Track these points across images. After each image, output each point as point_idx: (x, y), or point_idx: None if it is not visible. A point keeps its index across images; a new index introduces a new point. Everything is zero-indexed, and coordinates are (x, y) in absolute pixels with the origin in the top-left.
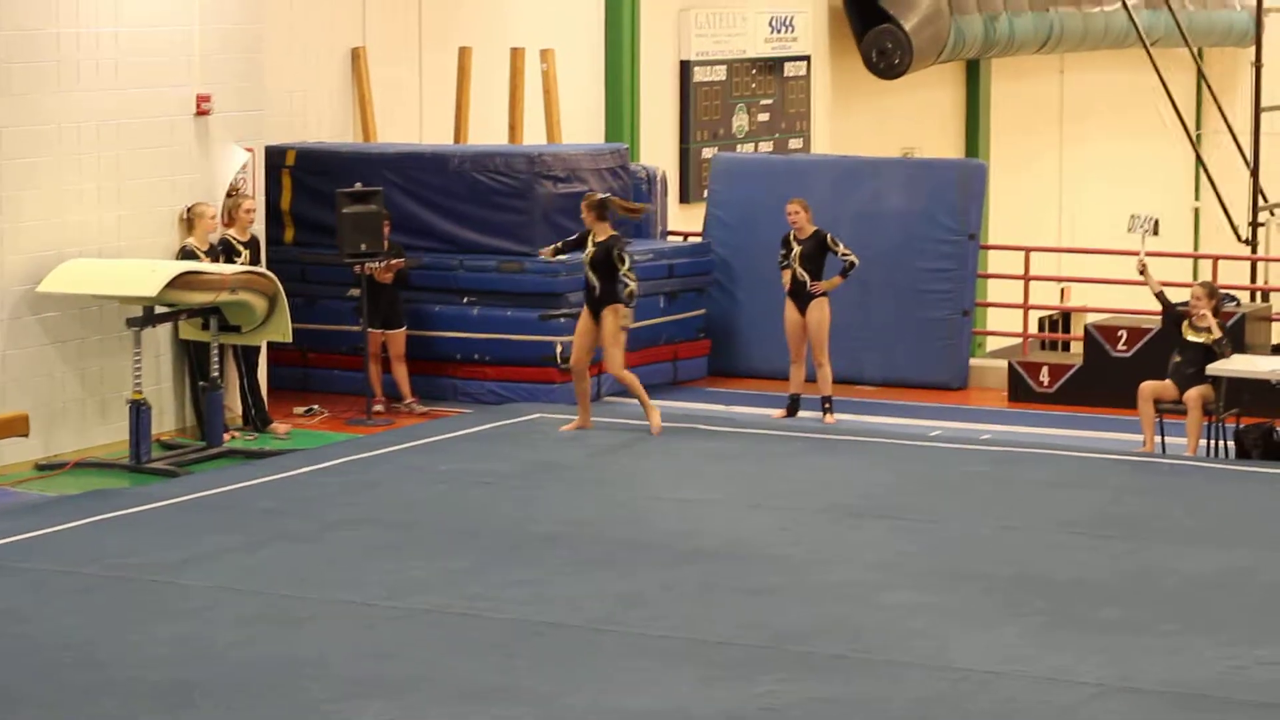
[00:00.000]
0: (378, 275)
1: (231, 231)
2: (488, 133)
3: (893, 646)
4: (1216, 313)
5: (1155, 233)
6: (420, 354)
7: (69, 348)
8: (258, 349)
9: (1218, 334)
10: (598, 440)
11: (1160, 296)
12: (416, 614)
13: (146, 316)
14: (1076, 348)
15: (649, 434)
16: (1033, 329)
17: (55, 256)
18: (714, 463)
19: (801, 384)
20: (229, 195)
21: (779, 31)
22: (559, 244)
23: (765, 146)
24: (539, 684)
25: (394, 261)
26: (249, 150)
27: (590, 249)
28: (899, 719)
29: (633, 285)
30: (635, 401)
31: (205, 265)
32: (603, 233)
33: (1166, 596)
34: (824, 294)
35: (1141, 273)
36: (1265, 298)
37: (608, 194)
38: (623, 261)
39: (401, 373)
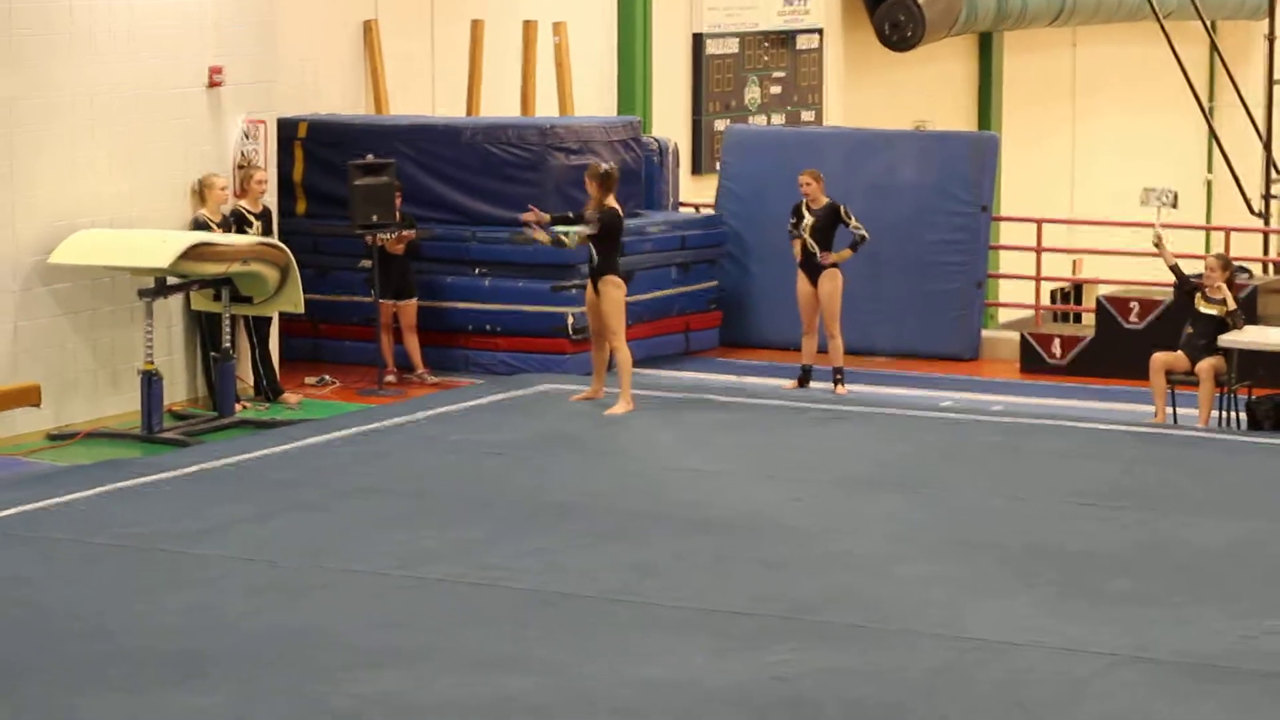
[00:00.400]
0: (389, 246)
1: (243, 203)
2: (500, 105)
3: (906, 617)
4: (1230, 285)
5: (1174, 205)
6: (432, 325)
7: (81, 318)
8: (269, 320)
9: (1232, 306)
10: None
11: (1175, 269)
12: (428, 584)
13: (158, 287)
14: (1088, 319)
15: (661, 405)
16: (1045, 301)
17: (67, 227)
18: (726, 434)
19: (813, 355)
20: (240, 167)
21: (791, 4)
22: (560, 215)
23: (777, 119)
24: (552, 654)
25: (405, 233)
26: (259, 122)
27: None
28: (912, 688)
29: (572, 234)
30: (651, 371)
31: (217, 236)
32: (606, 204)
33: (1178, 567)
34: (834, 265)
35: (1157, 245)
36: (1278, 269)
37: (611, 165)
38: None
39: (413, 343)
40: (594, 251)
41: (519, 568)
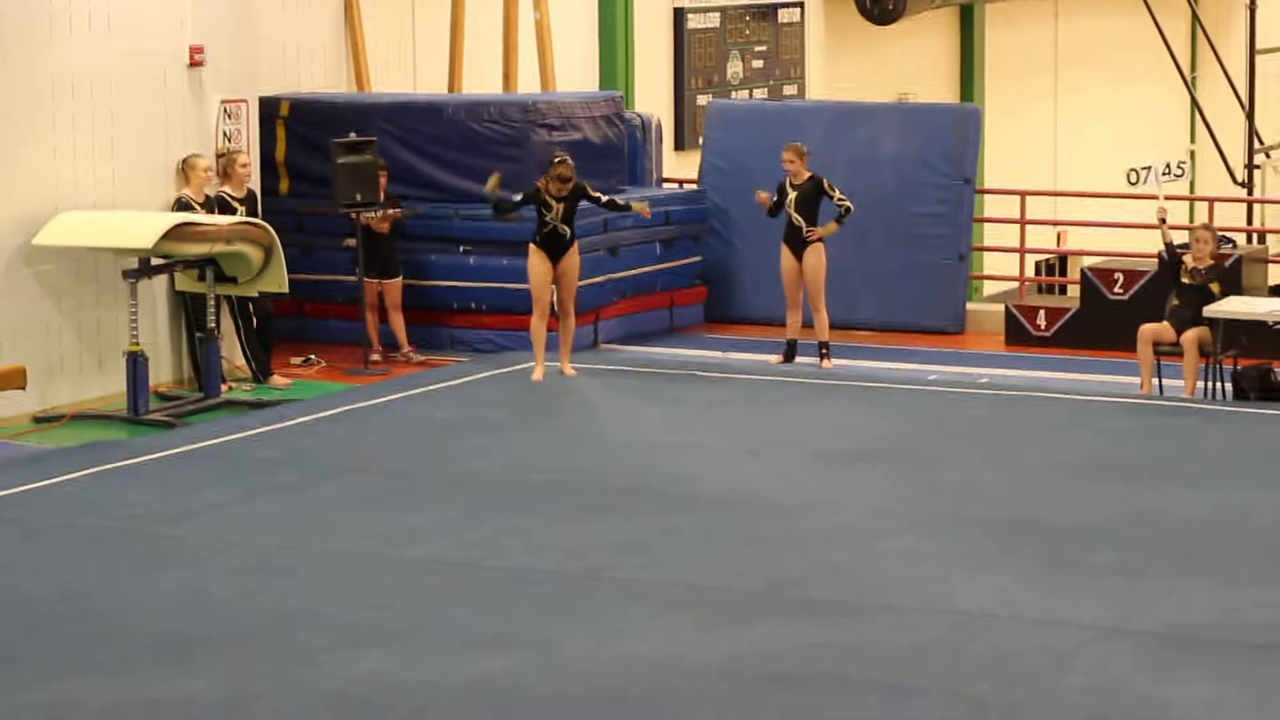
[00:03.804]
0: (374, 225)
1: (227, 188)
2: (482, 82)
3: (890, 591)
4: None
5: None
6: (417, 303)
7: (65, 300)
8: (259, 300)
9: (1214, 277)
10: (594, 388)
11: (1170, 245)
12: (414, 563)
13: (142, 268)
14: (1073, 291)
15: (646, 381)
16: (1029, 273)
17: (50, 210)
18: (711, 409)
19: (798, 329)
20: (221, 155)
21: None
22: (511, 199)
23: (760, 93)
24: (537, 631)
25: (391, 211)
26: (241, 101)
27: (559, 207)
28: (897, 663)
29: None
30: (636, 348)
31: (200, 216)
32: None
33: (1163, 539)
34: (820, 240)
35: (1162, 221)
36: (1262, 239)
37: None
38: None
39: (398, 322)
40: (567, 229)
41: (503, 546)
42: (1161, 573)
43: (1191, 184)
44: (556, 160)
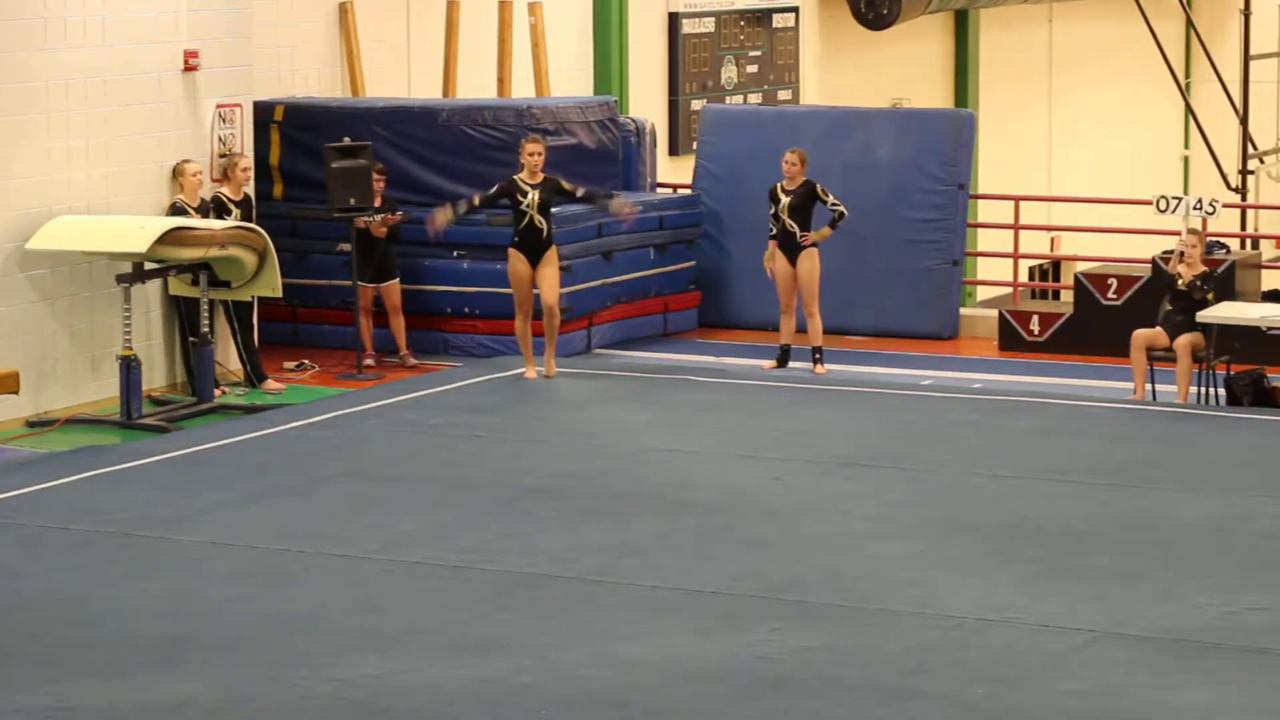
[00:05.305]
0: (373, 229)
1: (225, 190)
2: (476, 86)
3: (886, 595)
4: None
5: (1210, 210)
6: (411, 308)
7: (59, 304)
8: (250, 305)
9: (1208, 287)
10: (588, 392)
11: (1167, 276)
12: (408, 567)
13: (136, 272)
14: (1067, 296)
15: (640, 385)
16: (1023, 278)
17: (44, 214)
18: (705, 414)
19: (792, 335)
20: (223, 155)
21: None
22: (473, 200)
23: (754, 98)
24: (532, 636)
25: (389, 216)
26: (236, 105)
27: (534, 194)
28: (893, 667)
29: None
30: (627, 353)
31: (194, 221)
32: (540, 175)
33: (1158, 543)
34: (814, 245)
35: (1180, 255)
36: (1255, 245)
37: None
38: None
39: (399, 325)
40: (544, 221)
41: (499, 550)
42: (1157, 577)
43: (1185, 189)
44: (525, 139)
